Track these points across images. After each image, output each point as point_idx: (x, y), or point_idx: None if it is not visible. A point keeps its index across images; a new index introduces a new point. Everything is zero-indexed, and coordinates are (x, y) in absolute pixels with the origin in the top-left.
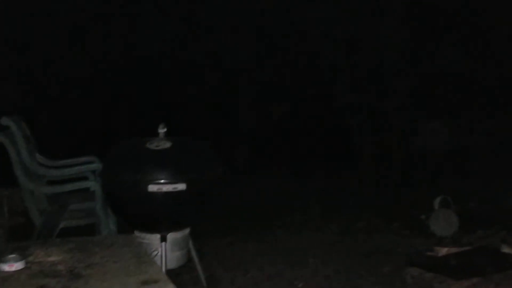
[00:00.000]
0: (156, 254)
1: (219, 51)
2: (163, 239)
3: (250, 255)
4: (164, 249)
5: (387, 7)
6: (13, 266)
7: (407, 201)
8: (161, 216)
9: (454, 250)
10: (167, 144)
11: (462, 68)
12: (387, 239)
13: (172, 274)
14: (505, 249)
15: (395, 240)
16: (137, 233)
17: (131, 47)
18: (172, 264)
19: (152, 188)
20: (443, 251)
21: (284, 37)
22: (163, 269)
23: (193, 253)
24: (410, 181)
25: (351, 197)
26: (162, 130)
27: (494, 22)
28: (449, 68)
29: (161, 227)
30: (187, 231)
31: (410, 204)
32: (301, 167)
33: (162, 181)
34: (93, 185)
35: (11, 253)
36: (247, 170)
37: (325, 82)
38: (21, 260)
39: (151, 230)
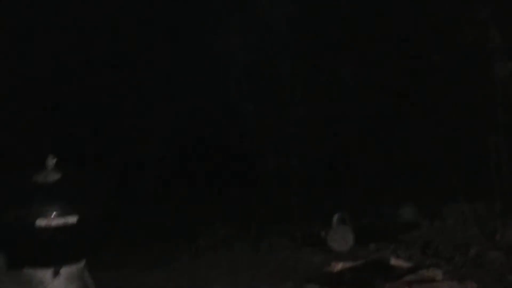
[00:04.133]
0: None
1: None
2: (56, 274)
3: (153, 285)
4: (58, 285)
5: None
6: None
7: (309, 219)
8: (51, 250)
9: (348, 265)
10: (56, 176)
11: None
12: (289, 257)
13: None
14: (394, 262)
15: (296, 257)
16: (27, 270)
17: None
18: None
19: (41, 222)
20: (339, 266)
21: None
22: None
23: (91, 287)
24: (309, 199)
25: (255, 218)
26: (51, 162)
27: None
28: None
29: (53, 261)
30: (82, 263)
31: (311, 221)
32: (206, 192)
33: (51, 215)
34: None
35: None
36: (150, 198)
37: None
38: None
39: (42, 265)
